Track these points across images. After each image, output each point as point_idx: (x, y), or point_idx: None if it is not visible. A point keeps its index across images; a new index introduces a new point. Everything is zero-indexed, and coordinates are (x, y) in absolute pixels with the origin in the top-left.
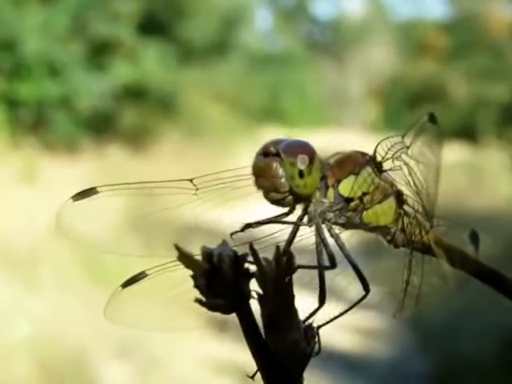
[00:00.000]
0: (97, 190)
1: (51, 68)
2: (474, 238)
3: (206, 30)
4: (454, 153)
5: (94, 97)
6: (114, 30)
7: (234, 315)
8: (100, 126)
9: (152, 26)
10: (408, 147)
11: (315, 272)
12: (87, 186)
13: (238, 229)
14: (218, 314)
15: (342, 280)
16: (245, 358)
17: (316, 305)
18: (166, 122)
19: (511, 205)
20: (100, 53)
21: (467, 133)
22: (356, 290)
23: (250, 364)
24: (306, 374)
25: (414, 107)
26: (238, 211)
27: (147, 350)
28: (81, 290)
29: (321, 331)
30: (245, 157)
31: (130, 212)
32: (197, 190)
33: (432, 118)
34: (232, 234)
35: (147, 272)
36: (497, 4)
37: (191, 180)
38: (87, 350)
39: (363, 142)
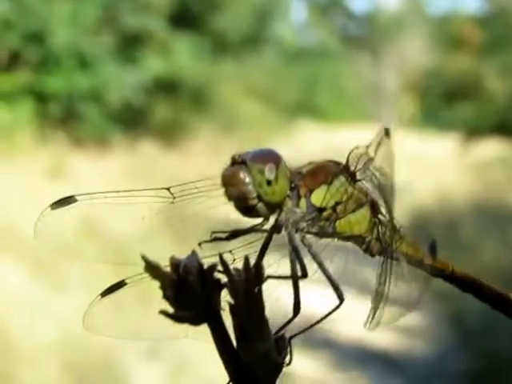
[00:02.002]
0: (75, 198)
1: (81, 60)
2: (433, 249)
3: (239, 22)
4: (490, 148)
5: (124, 90)
6: (145, 22)
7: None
8: (131, 121)
9: (184, 19)
10: (371, 159)
11: None
12: (118, 182)
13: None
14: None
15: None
16: None
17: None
18: (198, 117)
19: None
20: (131, 45)
21: (503, 128)
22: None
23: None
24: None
25: (450, 102)
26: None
27: (176, 350)
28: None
29: (358, 330)
30: (280, 151)
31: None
32: (174, 198)
33: (387, 133)
34: (200, 244)
35: (126, 281)
36: None
37: (168, 189)
38: (115, 351)
39: (400, 137)
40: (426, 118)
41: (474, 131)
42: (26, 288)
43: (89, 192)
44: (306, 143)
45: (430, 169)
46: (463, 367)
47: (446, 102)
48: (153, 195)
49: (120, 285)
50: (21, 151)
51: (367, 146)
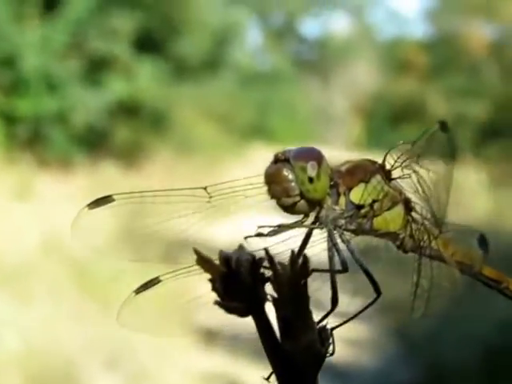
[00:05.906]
0: (113, 198)
1: (49, 84)
2: (483, 242)
3: (198, 47)
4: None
5: (90, 113)
6: (111, 47)
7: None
8: (94, 142)
9: (147, 44)
10: (418, 155)
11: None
12: (80, 203)
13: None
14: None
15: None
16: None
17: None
18: (158, 138)
19: (488, 222)
20: (97, 69)
21: None
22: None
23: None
24: None
25: (395, 124)
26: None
27: (137, 361)
28: (71, 304)
29: None
30: (234, 173)
31: (146, 220)
32: (210, 197)
33: (443, 126)
34: (246, 238)
35: (161, 278)
36: (476, 24)
37: (205, 188)
38: (78, 363)
39: (345, 158)
40: (372, 139)
41: None
42: None
43: (126, 192)
44: (259, 165)
45: None
46: (409, 378)
47: (391, 124)
48: (189, 194)
49: (154, 282)
50: None
51: (413, 142)
